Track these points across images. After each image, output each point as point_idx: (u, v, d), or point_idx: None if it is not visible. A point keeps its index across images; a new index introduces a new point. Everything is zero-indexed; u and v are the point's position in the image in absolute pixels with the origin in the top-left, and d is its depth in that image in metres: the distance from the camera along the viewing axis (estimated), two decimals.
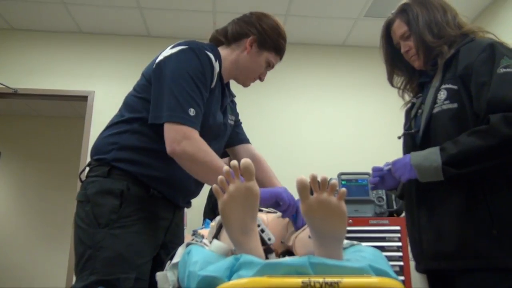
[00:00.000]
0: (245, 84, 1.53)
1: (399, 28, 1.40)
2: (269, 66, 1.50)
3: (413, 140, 1.35)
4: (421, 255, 1.29)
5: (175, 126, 1.22)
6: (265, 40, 1.44)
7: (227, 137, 1.54)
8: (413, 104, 1.44)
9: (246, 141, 1.64)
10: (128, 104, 1.39)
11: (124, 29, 4.02)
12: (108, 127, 1.38)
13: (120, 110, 1.40)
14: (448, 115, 1.23)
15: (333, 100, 4.14)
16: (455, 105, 1.22)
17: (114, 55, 4.03)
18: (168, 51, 1.34)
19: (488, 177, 1.16)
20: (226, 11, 3.65)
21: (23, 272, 5.31)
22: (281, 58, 1.52)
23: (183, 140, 1.20)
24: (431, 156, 1.19)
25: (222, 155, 1.68)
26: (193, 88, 1.26)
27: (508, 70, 1.15)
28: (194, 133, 1.23)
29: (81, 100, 3.94)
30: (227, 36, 1.48)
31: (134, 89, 1.41)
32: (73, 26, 3.98)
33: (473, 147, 1.12)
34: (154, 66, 1.34)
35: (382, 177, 1.37)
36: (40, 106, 5.50)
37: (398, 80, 1.52)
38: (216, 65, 1.37)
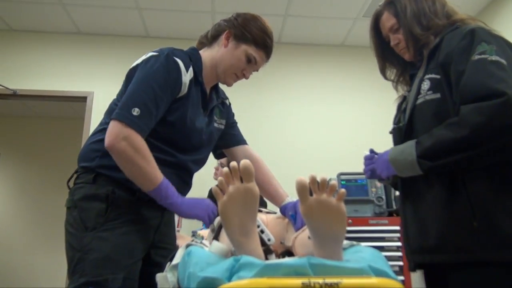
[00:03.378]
0: (227, 82, 1.48)
1: (388, 21, 1.37)
2: (251, 61, 1.43)
3: (401, 134, 1.32)
4: (409, 251, 1.27)
5: (115, 123, 1.22)
6: (242, 32, 1.41)
7: (215, 141, 1.54)
8: (404, 98, 1.40)
9: (243, 142, 1.64)
10: (109, 111, 1.40)
11: (123, 30, 4.02)
12: (92, 134, 1.40)
13: (103, 117, 1.42)
14: (430, 106, 1.20)
15: (332, 100, 4.14)
16: (438, 95, 1.19)
17: (113, 55, 4.03)
18: (141, 59, 1.36)
19: (468, 168, 1.12)
20: (225, 11, 3.65)
21: (23, 273, 5.31)
22: (267, 55, 1.46)
23: (122, 140, 1.20)
24: (407, 149, 1.18)
25: (219, 156, 1.68)
26: (148, 91, 1.26)
27: (482, 56, 1.11)
28: (134, 135, 1.22)
29: (80, 101, 3.94)
30: (208, 37, 1.49)
31: (116, 95, 1.42)
32: (72, 27, 3.98)
33: (445, 140, 1.10)
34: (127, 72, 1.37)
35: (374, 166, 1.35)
36: (39, 107, 5.50)
37: (391, 72, 1.49)
38: (188, 71, 1.35)
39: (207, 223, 1.27)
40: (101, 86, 3.88)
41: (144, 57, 1.35)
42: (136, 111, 1.22)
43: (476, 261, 1.08)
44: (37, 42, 4.02)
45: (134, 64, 1.36)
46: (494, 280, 1.07)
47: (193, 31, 3.95)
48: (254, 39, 1.41)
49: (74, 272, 1.23)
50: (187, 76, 1.34)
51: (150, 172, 1.23)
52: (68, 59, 3.99)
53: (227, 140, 1.60)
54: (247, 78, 1.49)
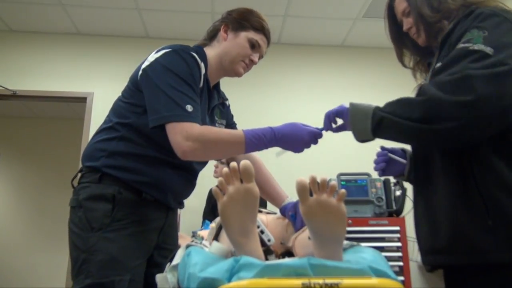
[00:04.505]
0: (237, 71, 1.47)
1: (400, 4, 1.32)
2: (255, 46, 1.44)
3: None
4: (421, 250, 1.22)
5: (176, 125, 1.22)
6: (239, 23, 1.44)
7: None
8: (420, 88, 1.31)
9: None
10: (115, 109, 1.39)
11: (122, 30, 4.02)
12: (97, 133, 1.39)
13: (108, 116, 1.41)
14: None
15: (332, 101, 4.12)
16: None
17: (113, 56, 4.04)
18: (152, 56, 1.33)
19: (477, 161, 1.03)
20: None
21: (22, 274, 5.30)
22: (268, 38, 1.48)
23: (186, 140, 1.20)
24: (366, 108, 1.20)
25: None
26: (185, 87, 1.26)
27: (466, 45, 1.02)
28: (195, 127, 1.22)
29: (80, 102, 3.94)
30: (206, 37, 1.51)
31: (122, 94, 1.41)
32: (72, 28, 3.98)
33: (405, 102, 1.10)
34: (140, 72, 1.33)
35: (387, 162, 1.32)
36: (39, 107, 5.50)
37: (410, 59, 1.41)
38: (202, 65, 1.37)
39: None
40: (101, 87, 3.89)
41: (155, 55, 1.32)
42: (189, 108, 1.23)
43: (492, 263, 1.01)
44: (37, 42, 4.02)
45: (147, 63, 1.32)
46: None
47: (193, 31, 3.97)
48: (251, 25, 1.43)
49: (79, 272, 1.22)
50: (202, 69, 1.36)
51: (229, 142, 1.25)
52: (67, 60, 3.99)
53: None
54: (255, 63, 1.49)
